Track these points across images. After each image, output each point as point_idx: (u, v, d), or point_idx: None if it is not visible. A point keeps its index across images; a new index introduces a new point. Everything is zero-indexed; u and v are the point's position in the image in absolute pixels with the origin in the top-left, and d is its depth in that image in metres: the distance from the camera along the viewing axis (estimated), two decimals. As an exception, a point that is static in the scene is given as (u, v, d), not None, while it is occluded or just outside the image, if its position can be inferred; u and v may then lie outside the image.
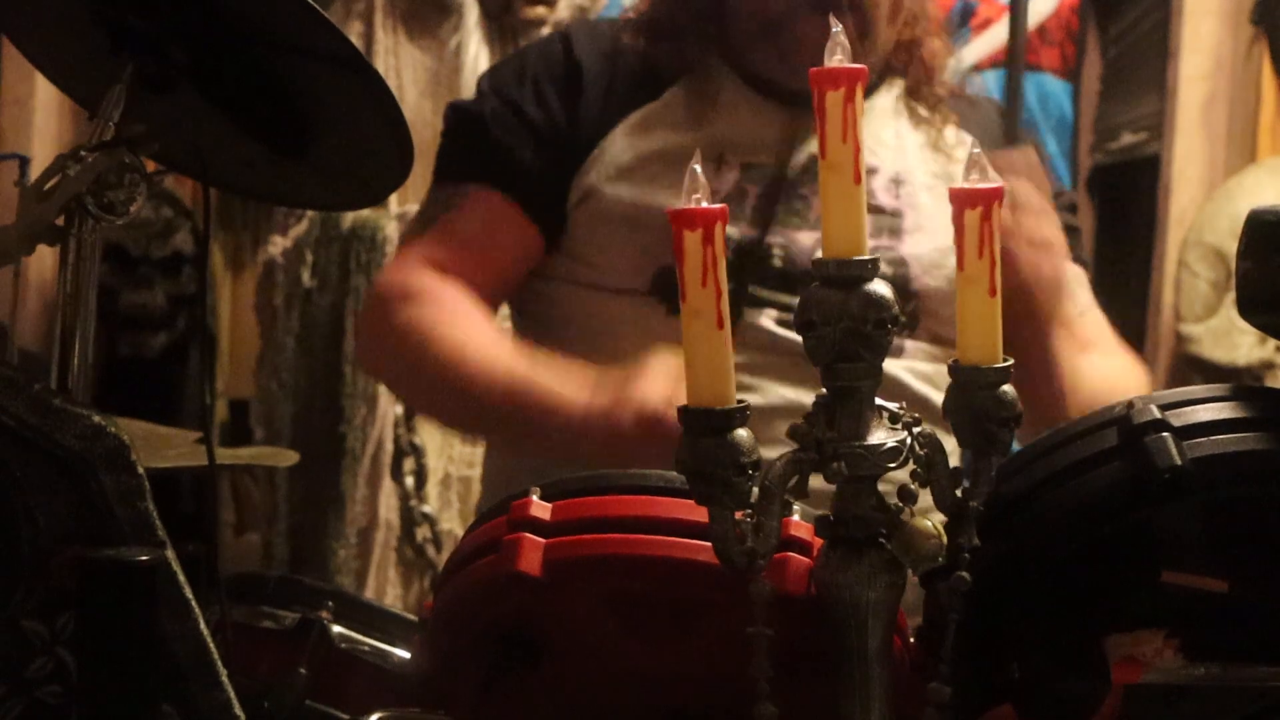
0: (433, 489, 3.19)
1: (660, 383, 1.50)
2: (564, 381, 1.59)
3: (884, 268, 1.75)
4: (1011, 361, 1.01)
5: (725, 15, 1.81)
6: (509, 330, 1.90)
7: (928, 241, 1.80)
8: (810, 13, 1.71)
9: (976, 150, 1.01)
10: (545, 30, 3.17)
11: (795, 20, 1.75)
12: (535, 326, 1.84)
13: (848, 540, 1.01)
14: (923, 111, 1.88)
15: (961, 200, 0.99)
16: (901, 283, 1.78)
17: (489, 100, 1.84)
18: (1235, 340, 3.50)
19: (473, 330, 1.73)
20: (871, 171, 1.80)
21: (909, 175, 1.83)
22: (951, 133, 1.88)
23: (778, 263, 1.74)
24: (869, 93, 1.83)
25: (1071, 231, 1.91)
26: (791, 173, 1.78)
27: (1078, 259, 1.95)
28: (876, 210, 1.79)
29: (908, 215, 1.81)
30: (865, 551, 1.00)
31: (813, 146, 1.77)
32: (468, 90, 3.13)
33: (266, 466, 3.14)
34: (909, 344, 1.78)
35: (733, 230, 1.73)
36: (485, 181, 1.80)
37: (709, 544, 0.99)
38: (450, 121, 1.89)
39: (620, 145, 1.78)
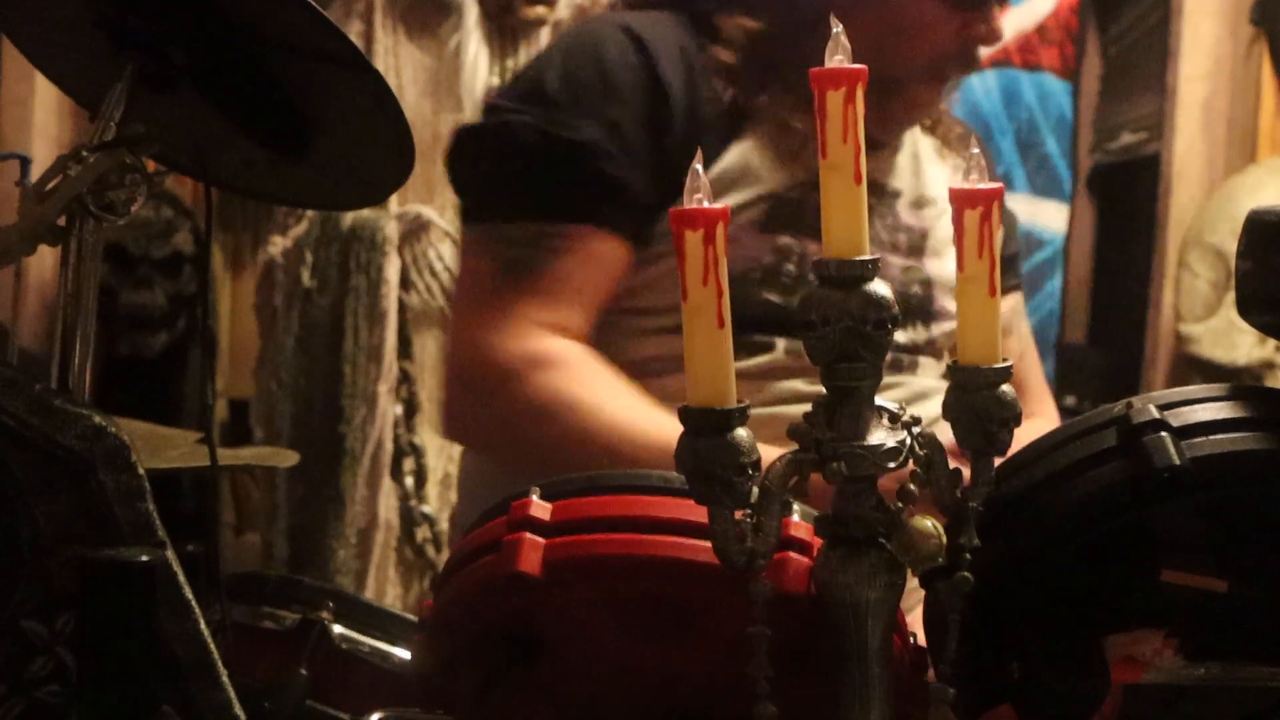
0: (432, 489, 3.19)
1: None
2: None
3: (915, 289, 1.79)
4: (1011, 362, 1.01)
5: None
6: None
7: (950, 264, 1.82)
8: (927, 81, 1.76)
9: (976, 151, 1.01)
10: (545, 31, 3.17)
11: (913, 86, 1.76)
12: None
13: (848, 540, 1.01)
14: (934, 136, 1.90)
15: (961, 200, 0.99)
16: (926, 303, 1.80)
17: (583, 124, 1.67)
18: (1235, 340, 3.50)
19: (628, 405, 1.62)
20: (895, 194, 1.83)
21: (930, 198, 1.84)
22: (951, 155, 1.90)
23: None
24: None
25: (1015, 257, 1.97)
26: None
27: (1019, 285, 1.99)
28: (905, 229, 1.81)
29: (931, 235, 1.82)
30: (865, 551, 1.00)
31: (871, 174, 1.80)
32: (468, 91, 3.14)
33: (266, 467, 3.13)
34: (923, 360, 1.80)
35: (793, 242, 1.72)
36: (593, 221, 1.66)
37: (709, 544, 0.99)
38: (533, 147, 1.68)
39: (728, 177, 1.70)
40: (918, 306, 1.80)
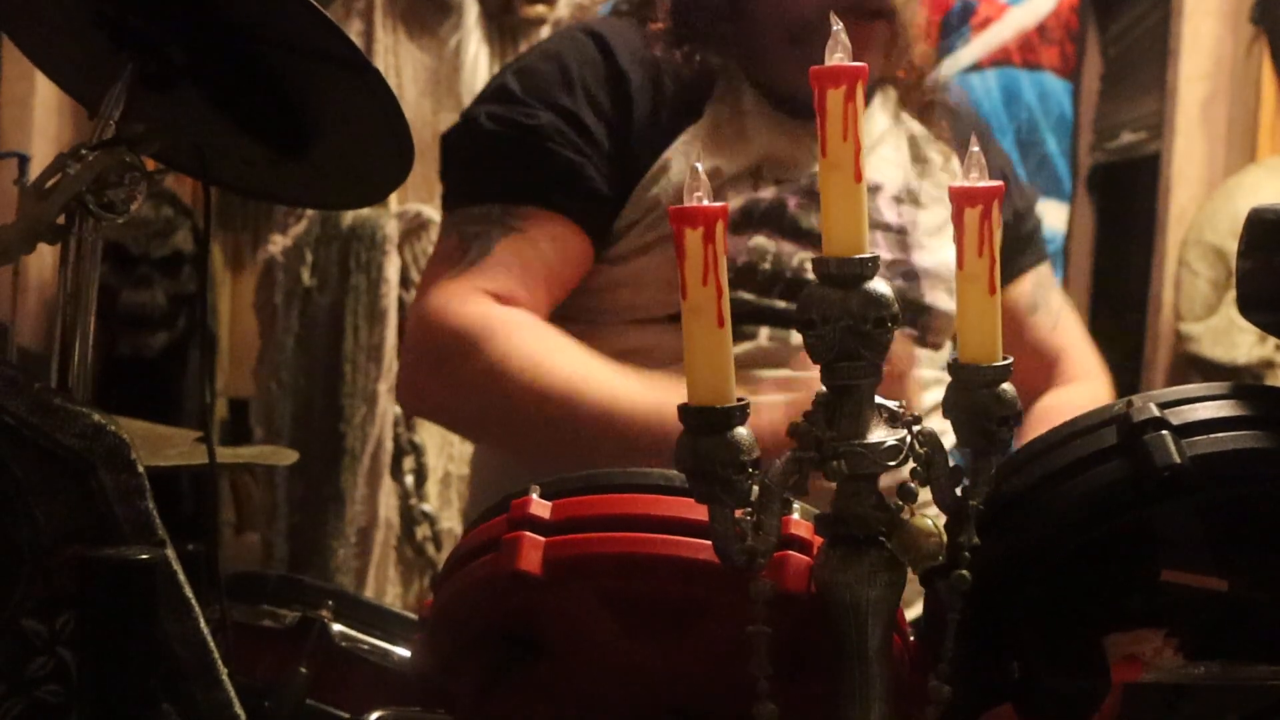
0: (432, 488, 3.19)
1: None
2: None
3: (899, 282, 1.79)
4: (1011, 360, 1.01)
5: (750, 29, 1.80)
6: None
7: (930, 257, 1.82)
8: (848, 21, 1.73)
9: (975, 149, 1.01)
10: (545, 29, 3.17)
11: (825, 29, 1.75)
12: None
13: (848, 539, 1.01)
14: (916, 125, 1.89)
15: (961, 198, 0.99)
16: (915, 295, 1.80)
17: (540, 111, 1.73)
18: (1235, 339, 3.50)
19: (579, 361, 1.65)
20: (875, 189, 1.83)
21: (911, 193, 1.85)
22: (942, 148, 1.90)
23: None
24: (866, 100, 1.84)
25: (1035, 231, 1.98)
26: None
27: (1044, 257, 1.99)
28: (884, 227, 1.81)
29: (911, 231, 1.82)
30: (865, 550, 1.00)
31: None
32: (468, 90, 3.14)
33: (266, 465, 3.14)
34: (919, 352, 1.81)
35: (769, 244, 1.74)
36: (547, 204, 1.71)
37: (709, 542, 0.99)
38: (491, 133, 1.76)
39: (680, 165, 1.73)
40: (903, 300, 1.80)
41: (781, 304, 1.72)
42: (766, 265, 1.73)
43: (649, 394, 1.59)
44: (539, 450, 1.68)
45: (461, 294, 1.69)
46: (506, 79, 1.80)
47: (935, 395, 1.13)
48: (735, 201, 1.75)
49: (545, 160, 1.71)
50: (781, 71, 1.78)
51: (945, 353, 1.88)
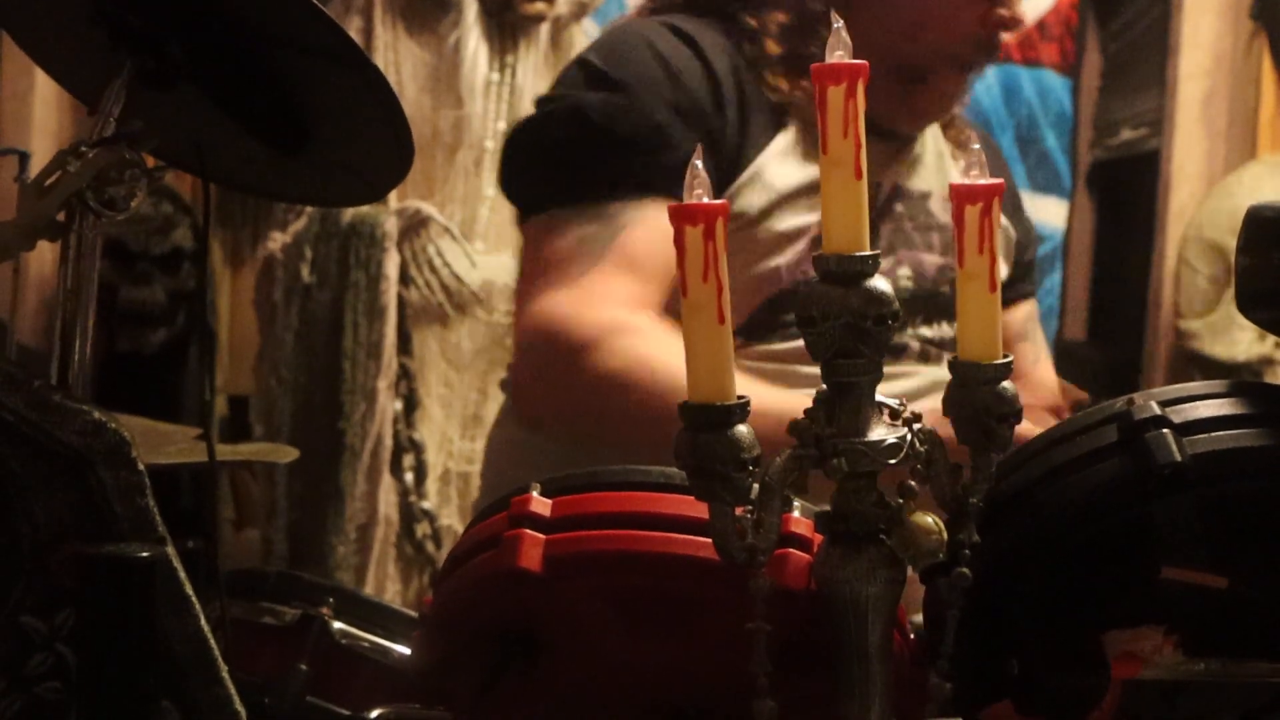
0: (432, 485, 3.19)
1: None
2: None
3: (945, 288, 1.81)
4: (1011, 358, 1.01)
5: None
6: None
7: None
8: (951, 71, 1.78)
9: (977, 147, 1.01)
10: (544, 27, 3.17)
11: (937, 75, 1.78)
12: None
13: (848, 536, 1.01)
14: (948, 138, 1.92)
15: (962, 196, 0.99)
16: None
17: (653, 106, 1.68)
18: (1234, 336, 3.51)
19: None
20: (925, 195, 1.86)
21: None
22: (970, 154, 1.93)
23: (907, 283, 1.79)
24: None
25: (1033, 264, 2.01)
26: (881, 199, 1.81)
27: (1034, 292, 2.03)
28: (941, 229, 1.85)
29: None
30: (865, 547, 1.00)
31: (897, 176, 1.84)
32: (468, 87, 3.13)
33: (266, 462, 3.13)
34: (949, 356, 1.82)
35: None
36: (663, 196, 1.62)
37: (709, 540, 0.99)
38: (604, 118, 1.69)
39: (773, 172, 1.73)
40: (948, 304, 1.81)
41: None
42: None
43: (778, 398, 1.53)
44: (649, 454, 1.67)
45: (587, 298, 1.65)
46: (608, 68, 1.73)
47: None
48: (811, 214, 1.73)
49: (665, 152, 1.66)
50: (874, 101, 1.79)
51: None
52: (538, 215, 1.74)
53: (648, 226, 1.66)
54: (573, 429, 1.74)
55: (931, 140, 1.91)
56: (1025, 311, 1.99)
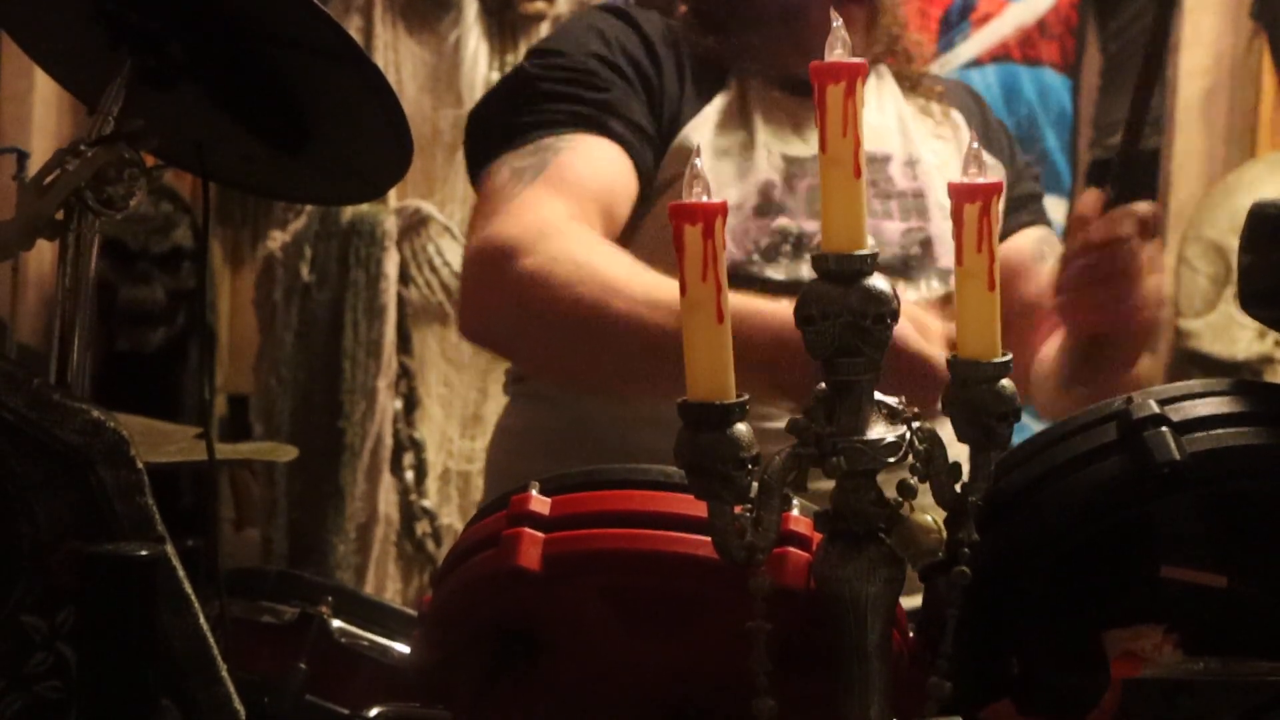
0: (432, 484, 3.19)
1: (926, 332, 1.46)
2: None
3: (915, 249, 1.80)
4: (1010, 356, 1.01)
5: (753, 14, 1.83)
6: None
7: (947, 220, 1.83)
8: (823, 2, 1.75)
9: (975, 145, 1.01)
10: (544, 25, 3.17)
11: (810, 10, 1.78)
12: None
13: (847, 535, 1.00)
14: (916, 95, 1.92)
15: (961, 195, 0.99)
16: (931, 262, 1.82)
17: (583, 57, 1.76)
18: (1234, 335, 3.50)
19: (623, 265, 1.61)
20: (886, 159, 1.85)
21: (919, 157, 1.86)
22: (938, 108, 1.92)
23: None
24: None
25: (1035, 197, 1.99)
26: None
27: (1045, 221, 2.01)
28: (900, 195, 1.82)
29: (928, 195, 1.84)
30: (864, 546, 1.00)
31: None
32: (468, 86, 3.14)
33: (266, 462, 3.14)
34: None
35: (790, 223, 1.76)
36: (596, 128, 1.71)
37: (708, 539, 0.99)
38: (536, 75, 1.77)
39: (697, 140, 1.74)
40: (920, 265, 1.81)
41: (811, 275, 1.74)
42: (788, 246, 1.75)
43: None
44: (571, 363, 1.67)
45: (517, 211, 1.68)
46: (540, 42, 1.89)
47: None
48: (752, 186, 1.76)
49: (593, 91, 1.73)
50: (777, 55, 1.80)
51: None
52: (488, 170, 1.78)
53: (577, 153, 1.70)
54: (503, 335, 1.77)
55: (892, 101, 1.90)
56: (1035, 235, 1.96)
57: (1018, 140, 2.11)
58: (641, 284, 1.57)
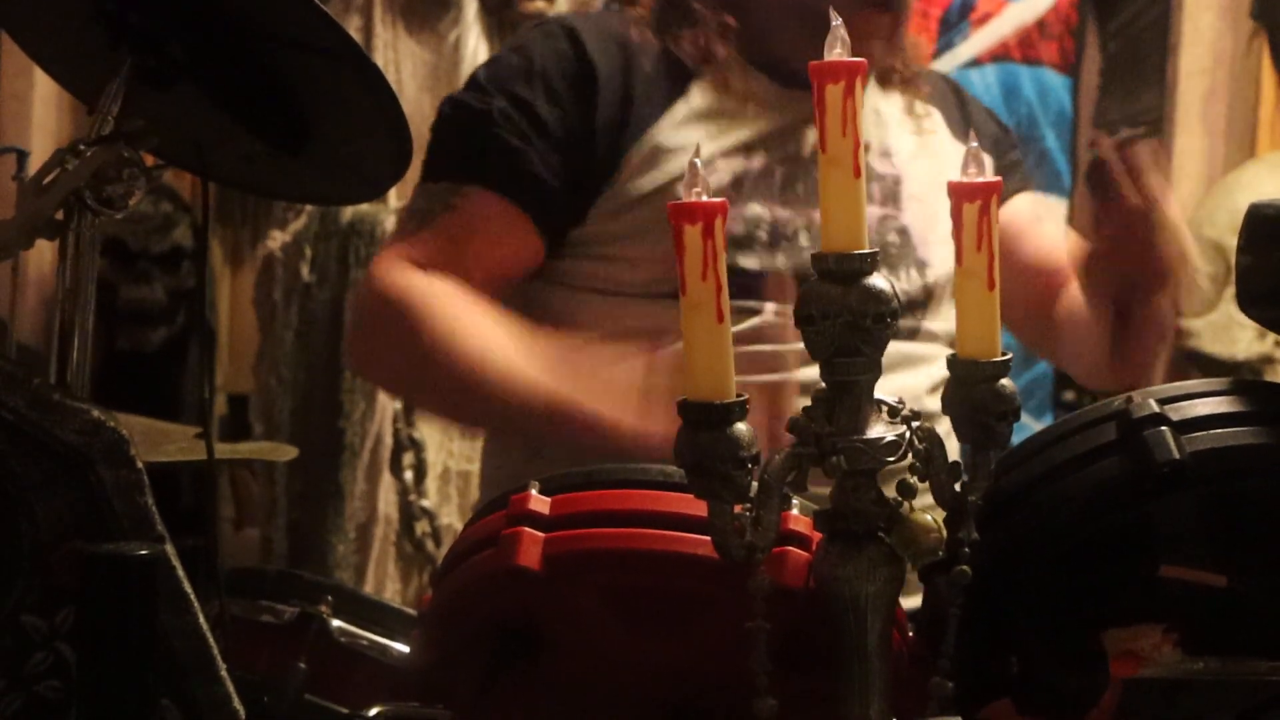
0: (432, 484, 3.19)
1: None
2: (601, 396, 1.55)
3: (891, 236, 1.80)
4: (1010, 355, 1.01)
5: (748, 4, 1.82)
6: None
7: (923, 209, 1.83)
8: (855, 7, 1.75)
9: (974, 144, 1.01)
10: (545, 25, 3.17)
11: (852, 17, 1.77)
12: (540, 326, 1.77)
13: (847, 534, 1.01)
14: (904, 93, 1.92)
15: (960, 194, 0.99)
16: (908, 251, 1.81)
17: (494, 98, 1.77)
18: (1234, 335, 3.50)
19: (489, 337, 1.67)
20: (864, 146, 1.84)
21: (895, 146, 1.86)
22: (919, 104, 1.93)
23: (804, 241, 1.77)
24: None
25: (1018, 164, 2.01)
26: (806, 154, 1.80)
27: (1030, 185, 2.04)
28: (878, 178, 1.82)
29: (905, 182, 1.84)
30: (864, 545, 1.00)
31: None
32: (468, 85, 3.13)
33: (266, 461, 3.14)
34: (925, 324, 1.82)
35: (763, 211, 1.76)
36: (489, 185, 1.74)
37: (708, 538, 0.99)
38: (448, 117, 1.82)
39: (672, 142, 1.75)
40: (899, 254, 1.81)
41: (785, 265, 1.74)
42: (763, 233, 1.75)
43: (546, 387, 1.60)
44: (470, 420, 1.84)
45: (391, 262, 1.76)
46: (477, 71, 1.89)
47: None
48: (726, 172, 1.76)
49: (489, 143, 1.76)
50: (781, 46, 1.79)
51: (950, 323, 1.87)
52: (418, 182, 1.86)
53: (464, 210, 1.75)
54: (382, 385, 2.02)
55: (870, 93, 1.88)
56: (1028, 199, 1.99)
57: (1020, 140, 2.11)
58: (499, 362, 1.64)
